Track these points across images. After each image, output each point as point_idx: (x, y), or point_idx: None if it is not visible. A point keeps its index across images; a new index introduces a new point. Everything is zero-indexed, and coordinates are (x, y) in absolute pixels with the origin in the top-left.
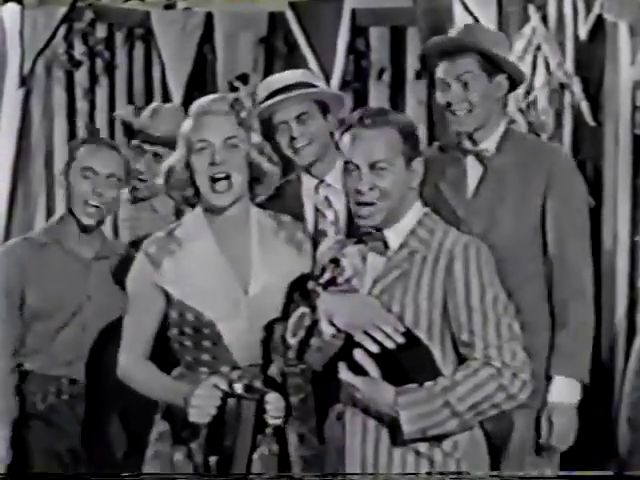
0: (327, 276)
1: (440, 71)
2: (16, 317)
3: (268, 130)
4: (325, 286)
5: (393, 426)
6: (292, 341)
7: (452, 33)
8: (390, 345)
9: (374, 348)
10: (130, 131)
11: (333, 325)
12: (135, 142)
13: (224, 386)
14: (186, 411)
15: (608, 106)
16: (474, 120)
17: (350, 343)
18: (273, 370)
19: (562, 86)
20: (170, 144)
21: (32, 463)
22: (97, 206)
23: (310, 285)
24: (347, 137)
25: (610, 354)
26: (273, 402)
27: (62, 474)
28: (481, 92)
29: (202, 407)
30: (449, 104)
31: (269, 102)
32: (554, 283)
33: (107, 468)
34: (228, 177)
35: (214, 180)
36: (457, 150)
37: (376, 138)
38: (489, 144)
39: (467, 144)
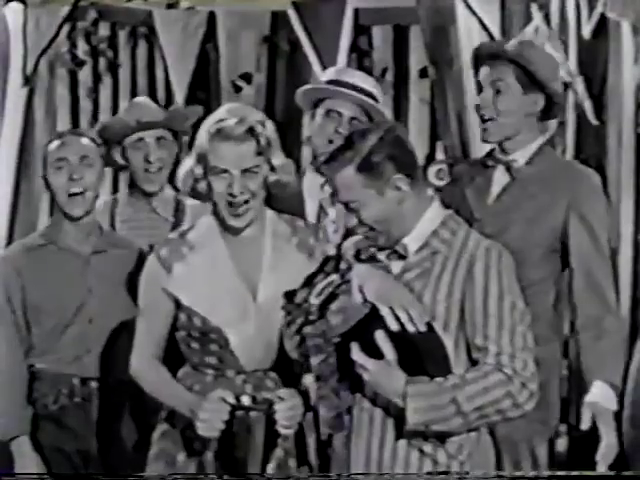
0: (367, 254)
1: (480, 74)
2: (21, 321)
3: (312, 107)
4: (363, 260)
5: (399, 417)
6: (315, 301)
7: (507, 42)
8: (411, 329)
9: (395, 326)
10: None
11: (362, 293)
12: (132, 137)
13: (231, 399)
14: (194, 424)
15: (611, 105)
16: (500, 131)
17: (368, 325)
18: (308, 380)
19: (565, 85)
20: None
21: (43, 463)
22: (79, 193)
23: (345, 259)
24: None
25: None
26: (283, 411)
27: (62, 474)
28: (511, 102)
29: (210, 421)
30: (478, 107)
31: (326, 86)
32: (581, 304)
33: (118, 462)
34: (247, 202)
35: (232, 204)
36: (488, 159)
37: (340, 182)
38: (520, 156)
39: (498, 153)
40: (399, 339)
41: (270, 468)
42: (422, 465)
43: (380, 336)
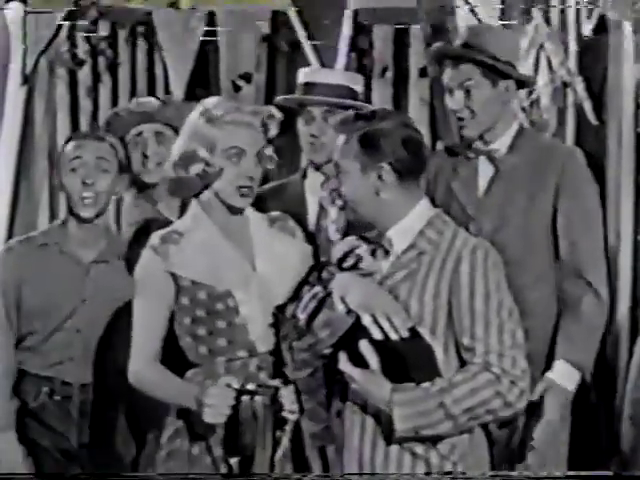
0: (351, 261)
1: (446, 77)
2: (13, 316)
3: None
4: (345, 269)
5: (387, 424)
6: (302, 315)
7: (458, 37)
8: (394, 337)
9: (378, 335)
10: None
11: (345, 303)
12: (133, 131)
13: (237, 385)
14: (199, 412)
15: (611, 104)
16: (477, 126)
17: (354, 334)
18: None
19: (565, 84)
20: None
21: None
22: (90, 197)
23: (327, 269)
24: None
25: (613, 351)
26: (288, 396)
27: (62, 474)
28: (483, 99)
29: (216, 407)
30: (454, 111)
31: (309, 97)
32: (565, 284)
33: (102, 462)
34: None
35: (240, 187)
36: (469, 150)
37: (340, 142)
38: (500, 144)
39: (478, 144)
40: (385, 347)
41: (278, 454)
42: (415, 467)
43: (364, 345)
